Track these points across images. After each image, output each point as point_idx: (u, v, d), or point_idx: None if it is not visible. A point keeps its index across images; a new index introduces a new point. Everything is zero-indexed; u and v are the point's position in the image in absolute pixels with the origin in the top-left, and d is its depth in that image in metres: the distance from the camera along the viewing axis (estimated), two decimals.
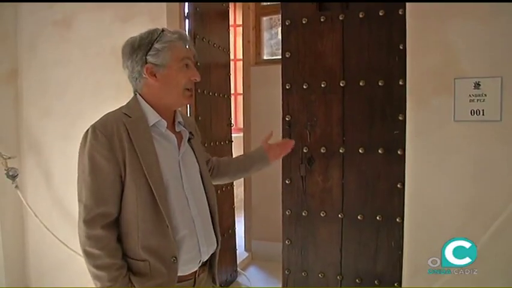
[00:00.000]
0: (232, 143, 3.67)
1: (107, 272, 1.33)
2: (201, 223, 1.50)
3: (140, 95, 1.47)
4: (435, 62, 2.10)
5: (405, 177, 2.23)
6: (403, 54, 2.22)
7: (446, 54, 2.08)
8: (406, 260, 2.24)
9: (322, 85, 2.46)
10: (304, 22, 2.48)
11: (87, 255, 1.35)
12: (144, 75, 1.42)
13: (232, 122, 3.70)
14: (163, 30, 1.44)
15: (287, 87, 2.55)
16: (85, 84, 2.85)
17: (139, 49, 1.41)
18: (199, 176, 1.59)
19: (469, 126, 2.05)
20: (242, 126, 4.36)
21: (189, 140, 1.58)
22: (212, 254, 1.59)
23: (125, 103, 1.49)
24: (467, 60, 2.05)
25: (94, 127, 1.37)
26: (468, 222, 2.06)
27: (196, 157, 1.59)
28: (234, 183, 3.76)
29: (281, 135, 2.58)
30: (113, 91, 2.71)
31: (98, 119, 1.42)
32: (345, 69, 2.42)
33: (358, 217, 2.44)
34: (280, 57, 2.61)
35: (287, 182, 2.59)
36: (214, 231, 1.59)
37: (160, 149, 1.42)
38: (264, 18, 4.45)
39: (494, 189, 2.03)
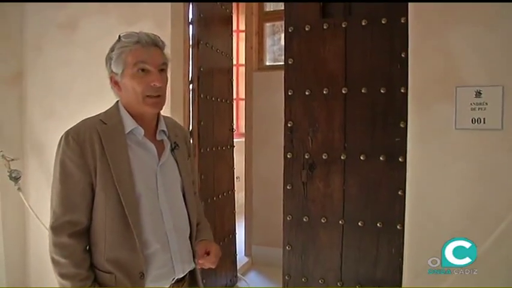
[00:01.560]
0: (234, 148, 3.68)
1: (70, 282, 1.30)
2: (176, 238, 1.42)
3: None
4: (436, 70, 2.11)
5: (406, 184, 2.23)
6: (405, 62, 2.22)
7: (448, 63, 2.09)
8: (406, 266, 2.23)
9: (325, 92, 2.47)
10: (307, 29, 2.50)
11: (53, 262, 1.33)
12: (111, 85, 1.42)
13: (234, 127, 3.71)
14: (119, 36, 1.38)
15: (289, 93, 2.56)
16: (89, 86, 2.86)
17: (107, 58, 1.40)
18: (181, 188, 1.50)
19: (470, 134, 2.06)
20: (244, 131, 4.37)
21: (172, 150, 1.49)
22: (191, 270, 1.52)
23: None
24: (469, 68, 2.06)
25: (67, 133, 1.35)
26: (470, 230, 2.05)
27: (179, 169, 1.49)
28: (235, 188, 3.77)
29: (283, 140, 2.60)
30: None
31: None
32: (347, 76, 2.43)
33: (359, 223, 2.44)
34: (282, 63, 2.63)
35: (288, 187, 2.60)
36: (193, 248, 1.51)
37: (134, 158, 1.36)
38: (267, 24, 4.48)
39: (496, 197, 2.03)
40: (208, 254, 1.52)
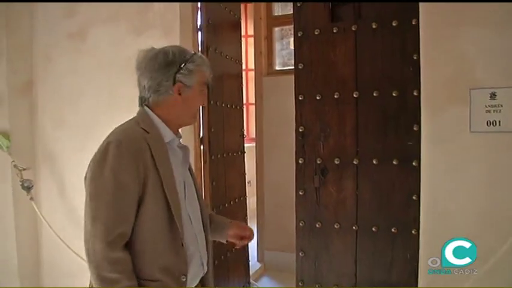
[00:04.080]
0: (245, 153, 3.66)
1: None
2: (200, 239, 1.51)
3: (150, 108, 1.44)
4: (450, 71, 2.09)
5: (420, 189, 2.20)
6: (417, 64, 2.20)
7: (461, 64, 2.07)
8: (422, 271, 2.20)
9: (336, 96, 2.46)
10: (316, 33, 2.48)
11: (103, 280, 1.25)
12: (170, 92, 1.40)
13: (244, 132, 3.70)
14: (195, 53, 1.46)
15: (300, 98, 2.55)
16: (99, 95, 2.87)
17: (173, 65, 1.39)
18: (196, 193, 1.58)
19: (485, 137, 2.03)
20: (254, 136, 4.36)
21: None
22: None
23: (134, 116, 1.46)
24: (483, 70, 2.03)
25: (119, 142, 1.32)
26: (485, 234, 2.02)
27: (191, 172, 1.58)
28: (247, 193, 3.75)
29: (294, 146, 2.58)
30: (127, 102, 2.68)
31: (111, 131, 1.39)
32: (358, 80, 2.41)
33: (373, 229, 2.41)
34: (292, 67, 2.61)
35: (300, 193, 2.58)
36: (207, 247, 1.57)
37: (173, 167, 1.41)
38: (276, 29, 4.47)
39: (511, 199, 1.99)
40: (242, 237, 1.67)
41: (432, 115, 2.13)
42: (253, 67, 4.37)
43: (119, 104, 2.76)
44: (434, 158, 2.14)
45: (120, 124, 1.44)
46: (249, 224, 3.73)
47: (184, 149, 1.52)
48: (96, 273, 1.26)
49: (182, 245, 1.38)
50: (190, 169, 1.58)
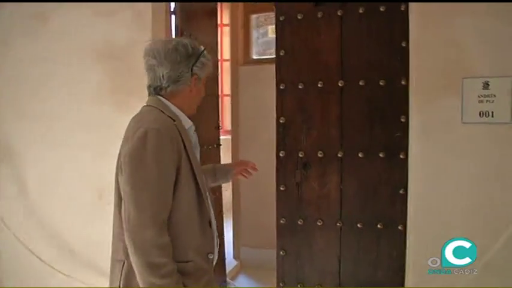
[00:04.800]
0: (221, 146, 3.50)
1: (171, 279, 1.31)
2: (214, 220, 1.57)
3: (165, 98, 1.48)
4: (441, 60, 2.02)
5: (408, 183, 2.16)
6: (405, 52, 2.14)
7: (453, 53, 2.00)
8: (409, 269, 2.15)
9: (319, 85, 2.35)
10: (299, 18, 2.36)
11: (152, 267, 1.29)
12: (188, 83, 1.47)
13: (220, 124, 3.55)
14: (205, 48, 1.53)
15: (281, 87, 2.43)
16: (63, 83, 2.63)
17: (192, 57, 1.46)
18: None
19: (477, 128, 1.97)
20: (230, 128, 4.21)
21: None
22: None
23: (147, 104, 1.49)
24: (476, 58, 1.97)
25: (157, 130, 1.35)
26: (477, 231, 1.97)
27: None
28: (222, 186, 3.60)
29: (273, 138, 2.48)
30: (94, 90, 2.54)
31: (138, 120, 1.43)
32: (343, 68, 2.32)
33: (358, 225, 2.33)
34: (269, 56, 2.48)
35: (281, 188, 2.46)
36: None
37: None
38: (253, 16, 4.30)
39: (505, 195, 1.95)
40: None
41: (422, 105, 2.07)
42: (228, 57, 4.21)
43: (85, 93, 2.58)
44: (423, 151, 2.08)
45: (138, 113, 1.49)
46: (224, 220, 3.59)
47: (195, 135, 1.59)
48: (145, 260, 1.29)
49: (210, 224, 1.47)
50: None
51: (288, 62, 2.40)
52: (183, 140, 1.41)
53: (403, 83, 2.17)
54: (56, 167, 2.60)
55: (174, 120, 1.43)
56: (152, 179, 1.33)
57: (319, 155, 2.36)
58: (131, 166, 1.34)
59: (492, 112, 1.94)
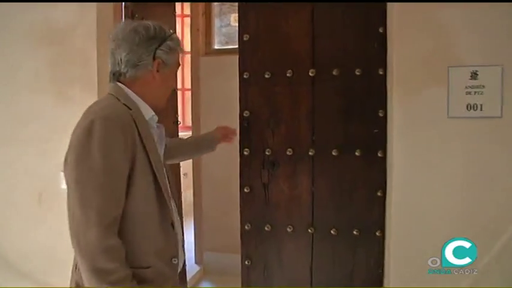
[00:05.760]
0: None
1: (123, 287, 1.20)
2: (177, 220, 1.47)
3: (125, 85, 1.37)
4: (425, 48, 1.84)
5: (387, 184, 2.01)
6: (383, 38, 1.99)
7: (438, 39, 1.83)
8: (389, 279, 1.98)
9: (288, 74, 2.14)
10: None
11: (99, 273, 1.17)
12: (149, 68, 1.36)
13: (179, 119, 3.33)
14: (172, 32, 1.45)
15: (245, 76, 2.21)
16: None
17: (155, 40, 1.36)
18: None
19: (465, 123, 1.81)
20: (191, 124, 3.96)
21: None
22: None
23: (109, 90, 1.37)
24: (463, 46, 1.81)
25: (105, 118, 1.24)
26: (465, 233, 1.82)
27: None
28: (182, 186, 3.34)
29: (238, 134, 2.24)
30: (31, 78, 2.28)
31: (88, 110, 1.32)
32: (315, 55, 2.12)
33: (332, 231, 2.13)
34: (233, 46, 2.24)
35: (246, 190, 2.24)
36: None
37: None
38: (215, 4, 4.04)
39: (494, 194, 1.81)
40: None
41: (403, 98, 1.89)
42: (189, 49, 3.94)
43: (19, 81, 2.31)
44: (405, 148, 1.90)
45: (94, 102, 1.40)
46: (185, 221, 3.34)
47: (161, 128, 1.49)
48: (91, 265, 1.18)
49: (173, 225, 1.37)
50: None
51: (253, 48, 2.18)
52: (139, 131, 1.30)
53: (380, 72, 2.00)
54: None
55: (131, 109, 1.32)
56: (98, 174, 1.21)
57: (288, 153, 2.16)
58: (74, 160, 1.24)
59: (481, 105, 1.77)
